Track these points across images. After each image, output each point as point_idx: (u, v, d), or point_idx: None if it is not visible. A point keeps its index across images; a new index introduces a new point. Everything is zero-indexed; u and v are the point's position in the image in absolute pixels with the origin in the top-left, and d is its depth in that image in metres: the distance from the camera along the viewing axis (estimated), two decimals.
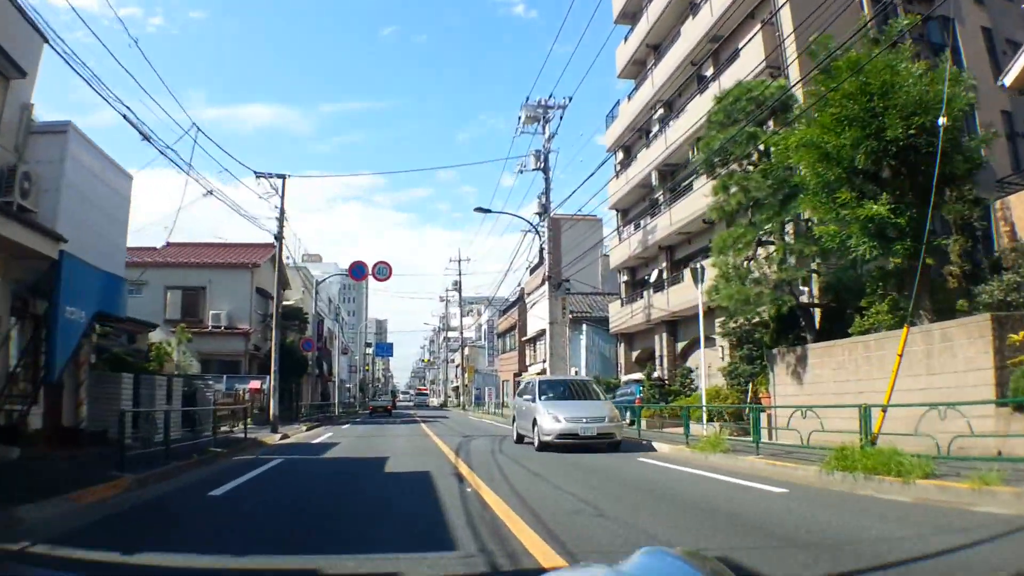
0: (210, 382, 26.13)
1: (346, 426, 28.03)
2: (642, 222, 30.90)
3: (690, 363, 27.91)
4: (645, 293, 30.11)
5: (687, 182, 26.72)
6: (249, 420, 25.86)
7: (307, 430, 24.08)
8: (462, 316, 62.66)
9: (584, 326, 37.22)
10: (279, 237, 21.27)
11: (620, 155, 35.07)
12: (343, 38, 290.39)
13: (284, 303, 35.20)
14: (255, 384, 26.97)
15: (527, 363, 42.34)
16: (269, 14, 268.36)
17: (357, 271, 29.31)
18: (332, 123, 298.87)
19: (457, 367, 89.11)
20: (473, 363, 67.72)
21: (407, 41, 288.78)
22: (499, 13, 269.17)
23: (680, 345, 28.51)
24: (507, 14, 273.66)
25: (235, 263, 30.98)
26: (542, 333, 38.28)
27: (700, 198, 25.43)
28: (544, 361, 37.83)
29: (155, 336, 30.69)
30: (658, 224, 28.95)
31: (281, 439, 19.18)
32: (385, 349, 76.90)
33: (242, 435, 18.84)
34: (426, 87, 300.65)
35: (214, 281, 30.85)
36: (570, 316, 37.55)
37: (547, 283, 27.19)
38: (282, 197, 21.44)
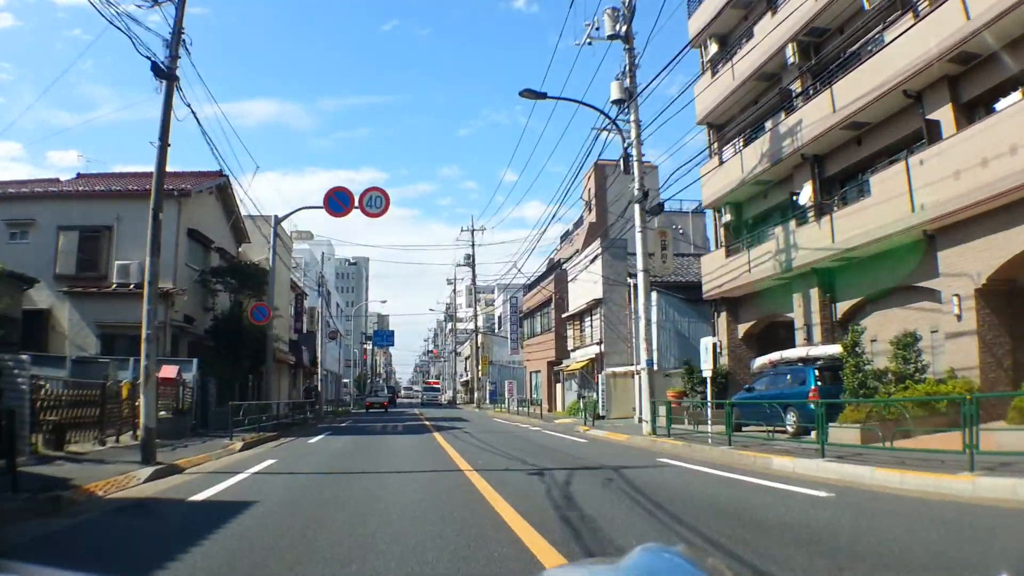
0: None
1: (318, 438, 17.74)
2: (768, 124, 20.53)
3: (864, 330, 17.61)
4: (776, 231, 19.78)
5: (873, 35, 16.41)
6: (135, 432, 15.74)
7: (241, 449, 13.83)
8: (475, 295, 52.31)
9: (653, 294, 26.84)
10: (168, 73, 10.91)
11: (712, 48, 24.70)
12: (345, 33, 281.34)
13: (244, 262, 24.92)
14: (168, 370, 16.70)
15: (569, 347, 32.07)
16: (269, 10, 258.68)
17: (336, 201, 19.15)
18: (333, 118, 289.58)
19: (467, 359, 78.81)
20: (487, 353, 57.49)
21: (408, 36, 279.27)
22: (500, 7, 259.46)
23: (843, 306, 18.17)
24: (508, 8, 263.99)
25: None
26: (595, 305, 28.02)
27: (903, 52, 15.18)
28: (600, 342, 27.55)
29: (39, 296, 20.99)
30: (802, 120, 18.61)
31: (149, 479, 8.91)
32: (385, 337, 66.54)
33: (75, 464, 8.87)
34: (427, 83, 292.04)
35: (124, 218, 20.58)
36: (633, 283, 27.27)
37: (637, 207, 16.90)
38: (179, 5, 11.09)
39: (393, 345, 73.22)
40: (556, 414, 30.12)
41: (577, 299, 30.49)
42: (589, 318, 29.33)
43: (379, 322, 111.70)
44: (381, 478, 8.76)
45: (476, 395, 52.98)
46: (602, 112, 17.76)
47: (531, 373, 40.48)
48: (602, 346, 26.95)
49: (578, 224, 41.75)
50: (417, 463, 10.59)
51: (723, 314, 23.36)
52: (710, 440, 13.51)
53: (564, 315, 32.23)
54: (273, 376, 27.95)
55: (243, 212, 26.10)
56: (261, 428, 17.54)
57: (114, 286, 19.99)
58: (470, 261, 50.37)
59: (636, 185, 16.95)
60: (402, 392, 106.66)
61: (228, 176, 22.85)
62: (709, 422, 14.11)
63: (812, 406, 14.10)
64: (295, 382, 34.66)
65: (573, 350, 31.49)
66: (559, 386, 33.82)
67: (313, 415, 28.94)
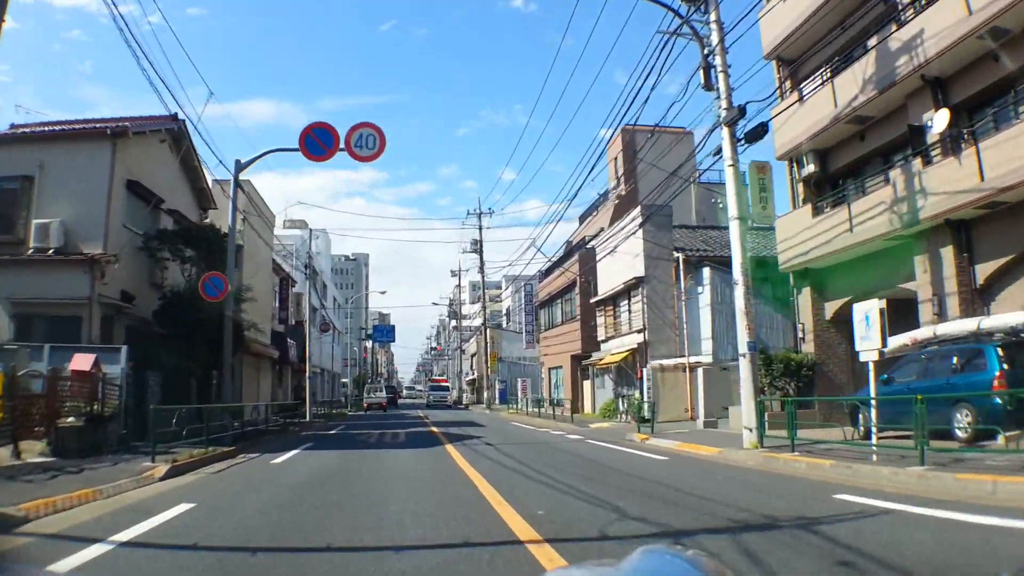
0: None
1: (291, 453, 13.14)
2: (871, 41, 15.88)
3: (1002, 301, 13.04)
4: (894, 174, 15.20)
5: None
6: (44, 444, 11.18)
7: (165, 475, 9.29)
8: (483, 281, 47.72)
9: (705, 272, 22.36)
10: None
11: None
12: (343, 34, 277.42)
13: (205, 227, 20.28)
14: (81, 360, 12.13)
15: (600, 336, 27.41)
16: (267, 11, 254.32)
17: (316, 141, 14.68)
18: (332, 118, 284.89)
19: (473, 356, 74.07)
20: (495, 348, 52.83)
21: (407, 36, 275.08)
22: (498, 7, 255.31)
23: (986, 268, 13.54)
24: (506, 7, 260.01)
25: (84, 132, 16.11)
26: (635, 285, 23.48)
27: None
28: (642, 329, 22.96)
29: None
30: (924, 30, 14.04)
31: None
32: (385, 333, 61.91)
33: None
34: (426, 83, 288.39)
35: (50, 166, 15.94)
36: (681, 257, 22.74)
37: (724, 132, 12.30)
38: None
39: (394, 341, 68.56)
40: (587, 416, 25.52)
41: (609, 280, 25.87)
42: (626, 302, 24.67)
43: (380, 320, 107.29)
44: (359, 569, 4.13)
45: (486, 395, 48.39)
46: (670, 8, 13.12)
47: (550, 369, 35.83)
48: (645, 334, 22.32)
49: (597, 204, 37.20)
50: (431, 517, 5.94)
51: (806, 290, 18.72)
52: (874, 457, 8.92)
53: (593, 300, 27.59)
54: (250, 371, 23.36)
55: (211, 179, 21.68)
56: (213, 440, 12.94)
57: (31, 251, 15.37)
58: (477, 247, 45.76)
59: (723, 103, 12.34)
60: (404, 392, 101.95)
61: (185, 121, 18.29)
62: (874, 429, 9.45)
63: (998, 400, 9.65)
64: (281, 380, 30.08)
65: (605, 340, 26.85)
66: (587, 384, 29.18)
67: (298, 420, 24.38)
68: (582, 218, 39.21)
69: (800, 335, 18.75)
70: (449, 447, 13.47)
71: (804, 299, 18.76)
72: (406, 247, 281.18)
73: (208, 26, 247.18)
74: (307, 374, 27.61)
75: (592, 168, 29.82)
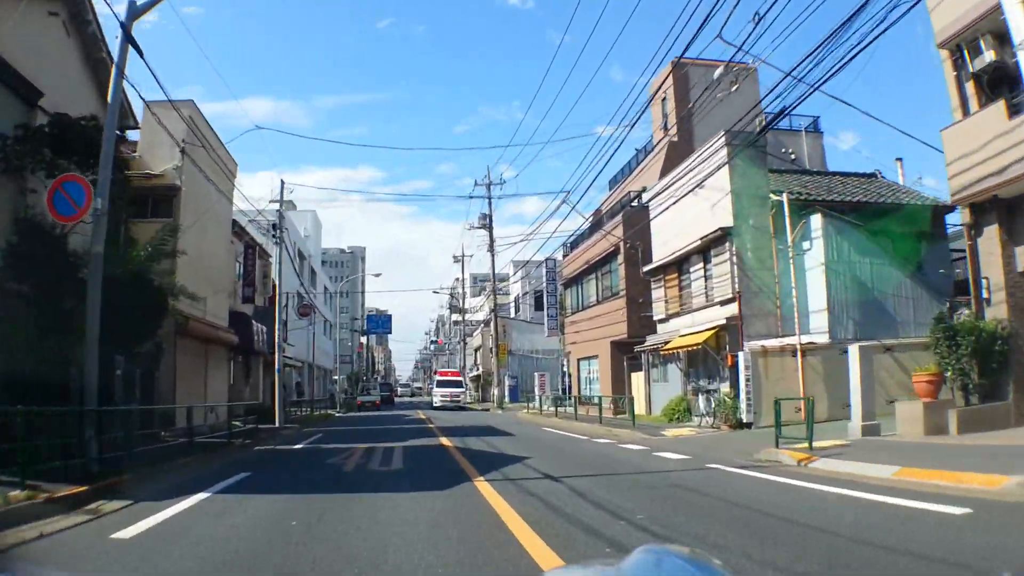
0: None
1: (180, 506, 7.01)
2: None
3: None
4: None
5: None
6: None
7: None
8: (493, 260, 41.62)
9: (815, 220, 16.37)
10: None
11: None
12: (340, 31, 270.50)
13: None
14: None
15: (659, 314, 21.17)
16: (263, 9, 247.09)
17: None
18: (330, 117, 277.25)
19: (476, 350, 67.88)
20: (505, 341, 46.67)
21: (404, 34, 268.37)
22: (495, 4, 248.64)
23: None
24: (503, 4, 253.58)
25: None
26: (717, 240, 17.62)
27: None
28: (734, 299, 16.95)
29: None
30: None
31: None
32: (381, 324, 55.77)
33: None
34: (424, 80, 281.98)
35: None
36: (785, 199, 16.74)
37: None
38: None
39: (390, 332, 62.52)
40: (644, 419, 19.44)
41: (674, 240, 19.75)
42: (702, 265, 18.50)
43: (378, 317, 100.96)
44: None
45: (494, 392, 42.31)
46: None
47: (579, 360, 29.67)
48: (739, 305, 16.20)
49: (632, 163, 31.17)
50: None
51: (990, 229, 12.63)
52: None
53: (647, 268, 21.44)
54: (191, 360, 17.36)
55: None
56: (50, 472, 6.87)
57: None
58: (486, 221, 39.66)
59: None
60: (399, 391, 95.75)
61: None
62: None
63: None
64: (247, 375, 23.95)
65: (665, 319, 20.72)
66: (637, 376, 22.98)
67: (265, 426, 18.28)
68: (612, 182, 33.17)
69: (984, 295, 12.70)
70: (481, 485, 7.43)
71: (988, 243, 12.64)
72: (404, 247, 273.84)
73: (207, 25, 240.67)
74: (277, 367, 21.50)
75: (648, 103, 23.53)
